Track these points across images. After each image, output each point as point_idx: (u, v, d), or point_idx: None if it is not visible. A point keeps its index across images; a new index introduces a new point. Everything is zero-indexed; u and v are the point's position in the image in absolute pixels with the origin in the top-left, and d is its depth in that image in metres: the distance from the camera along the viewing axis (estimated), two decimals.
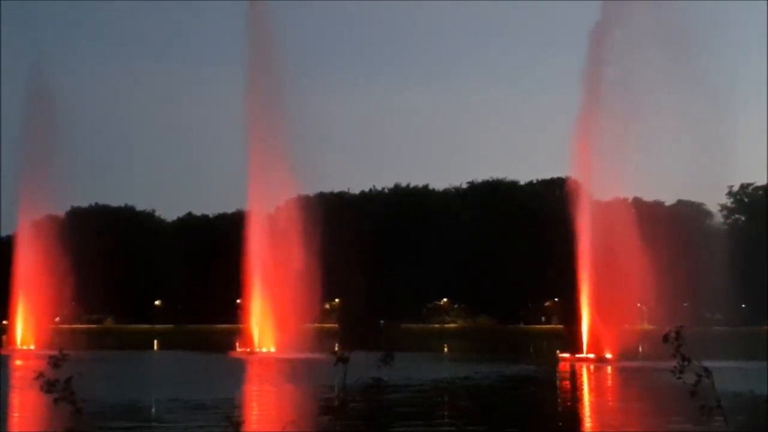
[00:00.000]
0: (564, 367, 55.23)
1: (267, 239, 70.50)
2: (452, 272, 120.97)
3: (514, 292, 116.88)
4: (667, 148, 61.05)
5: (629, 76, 61.78)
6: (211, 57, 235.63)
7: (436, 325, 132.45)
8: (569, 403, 35.68)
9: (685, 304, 59.96)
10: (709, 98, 59.62)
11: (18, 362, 56.37)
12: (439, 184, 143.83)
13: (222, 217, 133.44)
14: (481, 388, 40.22)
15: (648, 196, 77.75)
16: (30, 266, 75.12)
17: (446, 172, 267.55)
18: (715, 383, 7.97)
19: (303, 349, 61.59)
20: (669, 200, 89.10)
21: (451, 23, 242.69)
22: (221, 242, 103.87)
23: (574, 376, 49.34)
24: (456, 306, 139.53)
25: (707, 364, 8.00)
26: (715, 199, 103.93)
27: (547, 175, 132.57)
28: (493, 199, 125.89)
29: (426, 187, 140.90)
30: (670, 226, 62.99)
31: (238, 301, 78.82)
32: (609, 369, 53.67)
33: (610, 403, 36.77)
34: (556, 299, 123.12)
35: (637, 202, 74.36)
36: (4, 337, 78.69)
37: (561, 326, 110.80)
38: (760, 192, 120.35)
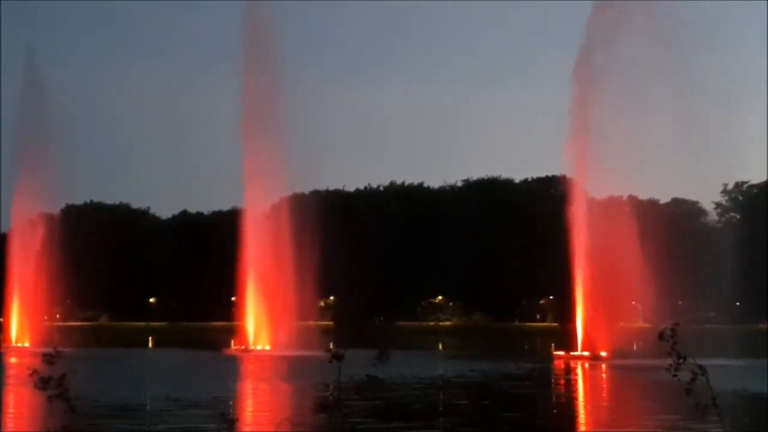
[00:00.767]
0: (559, 364, 55.28)
1: (262, 237, 70.44)
2: (447, 270, 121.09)
3: (509, 289, 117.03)
4: (662, 146, 61.15)
5: (623, 74, 61.81)
6: (207, 54, 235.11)
7: (431, 323, 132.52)
8: (564, 401, 35.68)
9: (680, 302, 60.09)
10: (705, 96, 59.70)
11: (12, 359, 56.23)
12: (434, 182, 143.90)
13: (217, 215, 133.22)
14: (475, 386, 40.24)
15: (643, 195, 77.89)
16: (24, 264, 75.00)
17: (442, 170, 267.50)
18: (710, 381, 7.97)
19: (298, 347, 61.59)
20: (664, 198, 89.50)
21: (446, 22, 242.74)
22: (216, 240, 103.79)
23: (569, 374, 49.39)
24: (451, 304, 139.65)
25: (702, 362, 8.00)
26: (709, 198, 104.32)
27: (542, 173, 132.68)
28: (488, 197, 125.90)
29: (421, 185, 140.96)
30: (665, 225, 63.12)
31: (233, 298, 78.79)
32: (604, 367, 53.72)
33: (606, 401, 36.79)
34: (551, 297, 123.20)
35: (632, 200, 74.39)
36: None
37: (556, 324, 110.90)
38: (755, 190, 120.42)
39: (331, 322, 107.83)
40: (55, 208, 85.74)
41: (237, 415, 19.52)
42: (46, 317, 76.28)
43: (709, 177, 72.24)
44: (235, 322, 74.22)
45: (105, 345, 77.91)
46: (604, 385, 45.03)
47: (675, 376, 7.90)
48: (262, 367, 52.54)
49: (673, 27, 60.29)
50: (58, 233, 73.78)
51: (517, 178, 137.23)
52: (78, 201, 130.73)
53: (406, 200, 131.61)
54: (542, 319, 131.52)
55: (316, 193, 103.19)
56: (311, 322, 76.72)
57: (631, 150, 60.78)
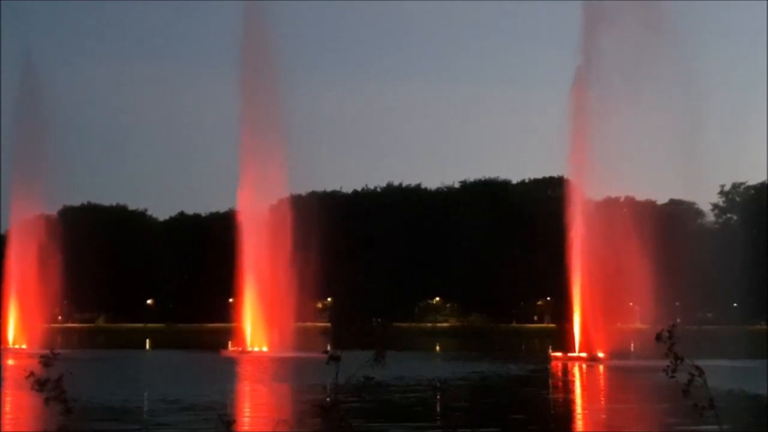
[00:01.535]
0: (556, 366, 55.27)
1: (259, 238, 70.43)
2: (445, 271, 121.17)
3: (506, 291, 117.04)
4: (659, 146, 61.17)
5: (621, 75, 61.83)
6: (205, 56, 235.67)
7: (429, 324, 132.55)
8: (561, 403, 35.67)
9: (677, 303, 60.12)
10: (702, 98, 59.84)
11: (10, 361, 56.15)
12: (432, 183, 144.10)
13: (214, 216, 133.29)
14: (472, 388, 40.22)
15: (640, 196, 77.89)
16: (22, 265, 74.91)
17: (439, 171, 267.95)
18: (707, 382, 7.97)
19: (295, 349, 61.60)
20: (661, 199, 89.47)
21: (444, 21, 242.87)
22: (213, 241, 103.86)
23: (566, 375, 49.38)
24: (448, 305, 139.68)
25: (699, 363, 7.99)
26: (707, 199, 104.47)
27: (539, 175, 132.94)
28: (486, 198, 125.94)
29: (419, 186, 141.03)
30: (662, 226, 63.16)
31: (230, 300, 78.77)
32: (601, 368, 53.73)
33: (604, 402, 36.77)
34: (548, 298, 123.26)
35: (630, 202, 74.48)
36: None
37: (553, 325, 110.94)
38: (752, 191, 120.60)
39: (328, 324, 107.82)
40: (53, 210, 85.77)
41: (234, 417, 19.50)
42: (43, 319, 76.11)
43: (706, 178, 72.47)
44: (233, 324, 74.21)
45: (102, 346, 77.81)
46: (604, 387, 44.98)
47: (672, 377, 7.90)
48: (260, 369, 52.53)
49: (671, 29, 60.39)
50: (56, 235, 73.70)
51: (515, 180, 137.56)
52: (75, 202, 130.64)
53: (403, 201, 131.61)
54: (539, 320, 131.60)
55: (313, 195, 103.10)
56: (308, 324, 76.75)
57: (629, 151, 60.89)
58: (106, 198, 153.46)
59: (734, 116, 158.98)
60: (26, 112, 77.23)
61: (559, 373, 50.40)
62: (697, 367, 7.82)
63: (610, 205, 65.87)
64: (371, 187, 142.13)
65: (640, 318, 72.39)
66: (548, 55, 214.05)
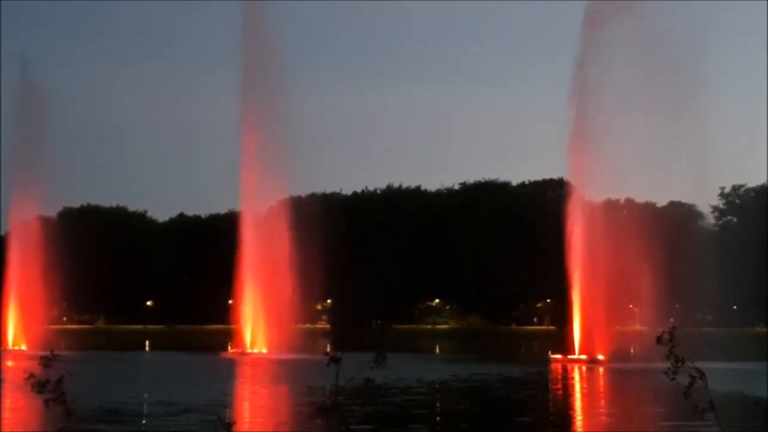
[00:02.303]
0: (556, 368, 55.23)
1: (259, 240, 70.44)
2: (444, 273, 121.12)
3: (506, 292, 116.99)
4: (659, 149, 61.15)
5: (620, 78, 61.85)
6: (205, 57, 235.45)
7: (428, 326, 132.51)
8: (562, 406, 35.64)
9: (677, 306, 60.11)
10: (702, 100, 59.82)
11: (9, 363, 56.13)
12: (431, 185, 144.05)
13: (214, 218, 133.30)
14: (471, 390, 40.17)
15: (640, 198, 77.94)
16: (21, 267, 74.90)
17: (439, 173, 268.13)
18: (707, 384, 7.96)
19: (295, 350, 61.59)
20: (661, 202, 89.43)
21: (443, 24, 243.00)
22: (213, 243, 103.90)
23: (566, 378, 49.34)
24: (448, 307, 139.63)
25: (699, 365, 7.98)
26: (706, 201, 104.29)
27: (539, 176, 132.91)
28: (485, 200, 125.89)
29: (419, 188, 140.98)
30: (662, 228, 63.14)
31: (230, 301, 78.72)
32: (601, 370, 53.69)
33: (605, 405, 36.73)
34: (548, 300, 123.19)
35: (630, 204, 74.49)
36: None
37: (553, 327, 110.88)
38: (752, 194, 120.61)
39: (328, 326, 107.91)
40: (53, 212, 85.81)
41: (233, 419, 19.49)
42: (43, 320, 76.07)
43: (706, 180, 72.35)
44: (232, 326, 74.18)
45: (102, 348, 77.76)
46: (606, 390, 44.93)
47: (673, 379, 7.89)
48: (259, 371, 52.51)
49: (671, 30, 60.38)
50: (56, 236, 73.63)
51: (515, 181, 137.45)
52: (75, 204, 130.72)
53: (403, 203, 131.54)
54: (539, 323, 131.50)
55: (313, 196, 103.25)
56: (308, 325, 76.77)
57: (629, 153, 60.87)
58: (106, 199, 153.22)
59: (735, 118, 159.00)
60: (26, 113, 77.24)
61: (559, 376, 50.35)
62: (698, 370, 7.82)
63: (610, 207, 65.86)
64: (371, 188, 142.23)
65: (639, 320, 72.41)
66: (548, 56, 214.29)
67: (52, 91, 78.56)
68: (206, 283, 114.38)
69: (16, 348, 71.46)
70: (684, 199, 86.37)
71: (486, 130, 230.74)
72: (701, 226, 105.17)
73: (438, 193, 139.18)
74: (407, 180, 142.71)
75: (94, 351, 69.70)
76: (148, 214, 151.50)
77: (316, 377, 34.93)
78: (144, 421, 27.49)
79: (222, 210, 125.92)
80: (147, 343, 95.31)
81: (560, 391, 42.68)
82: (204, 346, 75.02)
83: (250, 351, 67.44)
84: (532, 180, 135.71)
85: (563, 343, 62.99)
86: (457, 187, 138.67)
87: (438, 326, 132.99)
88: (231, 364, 57.04)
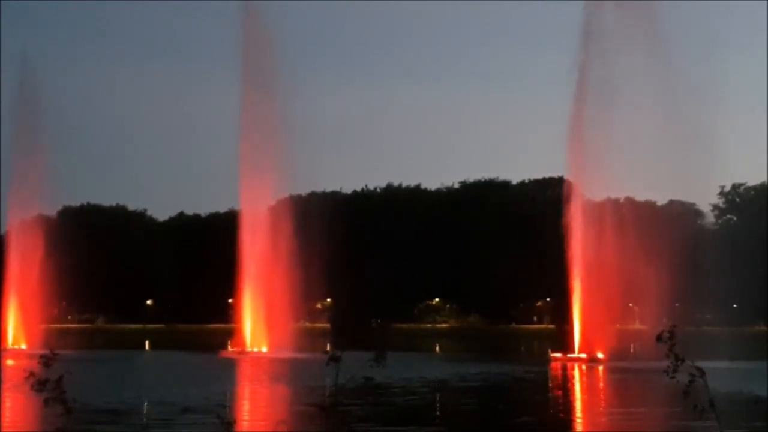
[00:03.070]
0: (556, 367, 55.23)
1: (259, 239, 70.43)
2: (444, 272, 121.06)
3: (505, 292, 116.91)
4: (659, 147, 61.12)
5: (620, 77, 61.83)
6: (205, 56, 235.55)
7: (428, 325, 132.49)
8: (566, 405, 35.62)
9: (676, 304, 60.06)
10: (701, 99, 59.77)
11: (9, 362, 56.14)
12: (431, 183, 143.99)
13: (214, 217, 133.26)
14: (472, 389, 40.16)
15: (640, 196, 77.91)
16: (21, 266, 74.94)
17: (439, 172, 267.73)
18: (707, 383, 7.96)
19: (295, 349, 61.59)
20: (661, 200, 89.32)
21: (444, 23, 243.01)
22: (213, 242, 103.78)
23: (566, 377, 49.34)
24: (448, 306, 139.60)
25: (698, 364, 7.98)
26: (706, 199, 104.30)
27: (539, 175, 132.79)
28: (485, 199, 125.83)
29: (418, 186, 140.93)
30: (662, 227, 63.12)
31: (230, 300, 78.73)
32: (601, 369, 53.68)
33: (606, 404, 36.73)
34: (547, 299, 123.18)
35: (629, 202, 74.45)
36: None
37: (552, 326, 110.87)
38: (752, 192, 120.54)
39: (328, 324, 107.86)
40: (52, 210, 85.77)
41: (234, 418, 19.48)
42: (42, 319, 76.10)
43: (706, 179, 72.30)
44: (232, 324, 74.17)
45: (101, 347, 77.77)
46: (606, 389, 44.91)
47: (673, 378, 7.90)
48: (259, 370, 52.51)
49: (670, 29, 60.39)
50: (55, 235, 73.65)
51: (515, 180, 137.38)
52: (75, 203, 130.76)
53: (403, 202, 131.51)
54: (539, 322, 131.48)
55: (313, 195, 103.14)
56: (308, 324, 76.74)
57: (629, 152, 60.87)
58: (106, 198, 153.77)
59: (735, 116, 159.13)
60: (25, 112, 77.28)
61: (559, 375, 50.35)
62: (698, 368, 7.82)
63: (609, 205, 65.83)
64: (371, 187, 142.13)
65: (639, 319, 72.43)
66: (548, 56, 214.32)
67: (51, 90, 78.99)
68: (206, 283, 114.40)
69: (16, 347, 71.51)
70: (684, 198, 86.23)
71: (486, 128, 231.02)
72: (701, 224, 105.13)
73: (438, 192, 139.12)
74: (407, 179, 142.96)
75: (94, 350, 69.72)
76: (148, 213, 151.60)
77: (316, 376, 34.94)
78: (144, 421, 27.49)
79: (222, 209, 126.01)
80: (147, 342, 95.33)
81: (561, 390, 42.64)
82: (204, 345, 75.01)
83: (250, 350, 67.45)
84: (532, 179, 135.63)
85: (563, 342, 63.02)
86: (457, 185, 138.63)
87: (438, 325, 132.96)
88: (231, 363, 57.03)
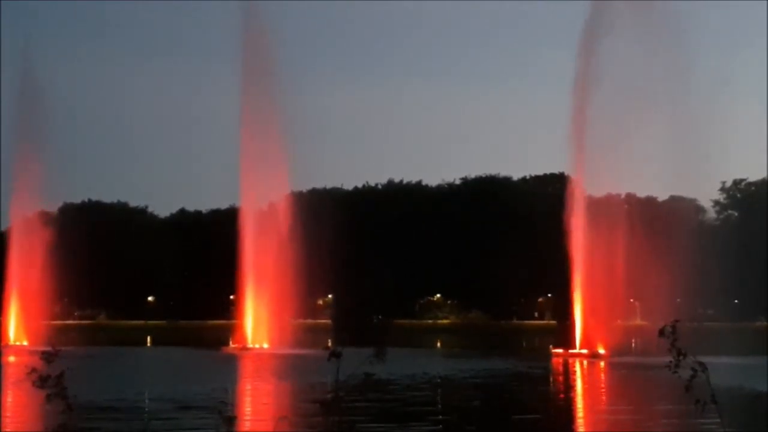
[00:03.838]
0: (557, 362, 55.26)
1: (260, 235, 70.46)
2: (445, 268, 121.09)
3: (506, 287, 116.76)
4: (660, 143, 61.13)
5: (621, 73, 61.81)
6: (206, 53, 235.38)
7: (429, 321, 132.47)
8: (564, 400, 35.64)
9: (677, 300, 60.05)
10: (702, 94, 59.77)
11: (11, 358, 56.25)
12: (432, 180, 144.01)
13: (215, 213, 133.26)
14: (473, 385, 40.17)
15: (641, 192, 77.97)
16: (22, 262, 74.98)
17: (440, 169, 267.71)
18: (709, 378, 7.96)
19: (296, 345, 61.60)
20: (662, 196, 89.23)
21: (445, 20, 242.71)
22: (214, 238, 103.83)
23: (568, 372, 49.37)
24: (449, 302, 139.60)
25: (700, 359, 7.98)
26: (708, 195, 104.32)
27: (540, 171, 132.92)
28: (486, 195, 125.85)
29: (419, 183, 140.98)
30: (663, 222, 63.16)
31: (231, 297, 78.73)
32: (602, 364, 53.73)
33: (609, 399, 36.73)
34: (549, 295, 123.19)
35: (631, 198, 74.46)
36: None
37: (554, 322, 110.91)
38: (753, 188, 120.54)
39: (329, 321, 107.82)
40: (54, 207, 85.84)
41: (235, 414, 19.50)
42: (44, 316, 76.18)
43: (707, 174, 72.32)
44: (234, 321, 74.19)
45: (103, 344, 77.82)
46: (609, 384, 44.93)
47: (675, 373, 7.90)
48: (261, 366, 52.55)
49: (672, 26, 60.33)
50: (56, 232, 73.73)
51: (516, 176, 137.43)
52: (76, 200, 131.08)
53: (404, 198, 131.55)
54: (540, 317, 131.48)
55: (314, 192, 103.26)
56: (309, 321, 76.76)
57: (630, 148, 60.81)
58: (107, 195, 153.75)
59: (735, 112, 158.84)
60: (27, 109, 77.31)
61: (561, 370, 50.37)
62: (701, 363, 7.83)
63: (610, 201, 65.83)
64: (372, 184, 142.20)
65: (640, 314, 72.43)
66: (549, 52, 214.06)
67: (52, 87, 78.80)
68: (207, 279, 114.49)
69: (18, 344, 71.57)
70: (685, 194, 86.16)
71: (487, 125, 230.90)
72: (702, 220, 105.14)
73: (439, 188, 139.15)
74: (409, 175, 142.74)
75: (96, 347, 69.77)
76: (149, 210, 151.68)
77: (317, 372, 34.98)
78: (145, 417, 27.51)
79: (223, 206, 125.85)
80: (148, 338, 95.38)
81: (563, 387, 42.66)
82: (205, 342, 75.05)
83: (251, 346, 67.48)
84: (533, 175, 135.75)
85: (564, 338, 63.07)
86: (458, 182, 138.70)
87: (439, 321, 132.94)
88: (232, 360, 57.07)
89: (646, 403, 31.64)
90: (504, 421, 26.43)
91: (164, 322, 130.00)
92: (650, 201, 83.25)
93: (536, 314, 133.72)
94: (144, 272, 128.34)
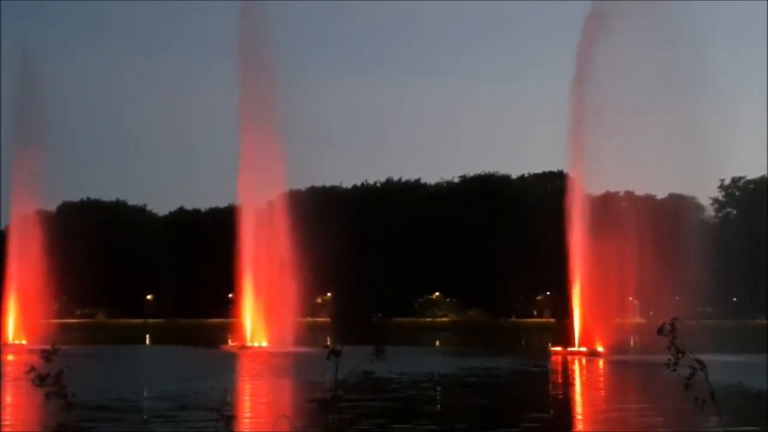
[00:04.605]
0: (556, 360, 55.25)
1: (259, 233, 70.44)
2: (444, 266, 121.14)
3: (505, 285, 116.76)
4: (658, 141, 61.14)
5: (620, 71, 61.82)
6: (204, 52, 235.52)
7: (428, 319, 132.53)
8: (563, 397, 35.63)
9: (676, 298, 60.07)
10: (701, 92, 59.78)
11: (10, 357, 56.24)
12: (431, 178, 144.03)
13: (213, 212, 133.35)
14: (472, 383, 40.16)
15: (640, 190, 77.85)
16: (21, 261, 74.95)
17: (439, 167, 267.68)
18: (708, 376, 7.96)
19: (295, 344, 61.60)
20: (661, 194, 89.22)
21: (444, 18, 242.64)
22: (213, 237, 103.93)
23: (567, 370, 49.36)
24: (448, 300, 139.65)
25: (698, 357, 7.99)
26: (706, 193, 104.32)
27: (539, 170, 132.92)
28: (485, 193, 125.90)
29: (418, 181, 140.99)
30: (661, 220, 63.15)
31: (230, 295, 78.71)
32: (601, 362, 53.74)
33: (608, 397, 36.74)
34: (548, 293, 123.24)
35: (630, 196, 74.43)
36: None
37: (553, 320, 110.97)
38: (752, 186, 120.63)
39: (328, 319, 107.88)
40: (52, 206, 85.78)
41: (234, 412, 19.48)
42: (43, 315, 76.14)
43: (706, 172, 72.35)
44: (232, 319, 74.17)
45: (102, 342, 77.83)
46: (608, 382, 44.93)
47: (674, 370, 7.90)
48: (259, 364, 52.54)
49: (671, 24, 60.31)
50: (55, 231, 73.72)
51: (514, 174, 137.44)
52: (74, 198, 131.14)
53: (403, 196, 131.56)
54: (539, 315, 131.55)
55: (312, 190, 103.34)
56: (308, 319, 76.73)
57: (629, 146, 60.83)
58: (106, 194, 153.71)
59: (734, 110, 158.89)
60: (25, 108, 77.25)
61: (560, 368, 50.35)
62: (699, 361, 7.82)
63: (609, 199, 65.87)
64: (371, 182, 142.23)
65: (639, 312, 72.44)
66: (548, 50, 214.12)
67: (51, 85, 78.78)
68: (206, 277, 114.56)
69: (17, 342, 71.54)
70: (684, 192, 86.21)
71: (485, 123, 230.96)
72: (701, 218, 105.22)
73: (438, 186, 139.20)
74: (407, 173, 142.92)
75: (94, 345, 69.78)
76: (148, 208, 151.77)
77: (316, 370, 34.99)
78: (144, 416, 27.49)
79: (221, 204, 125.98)
80: (147, 337, 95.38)
81: (561, 384, 42.66)
82: (204, 340, 75.06)
83: (250, 344, 67.47)
84: (532, 173, 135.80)
85: (563, 336, 63.08)
86: (456, 180, 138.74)
87: (438, 319, 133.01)
88: (231, 358, 57.06)
89: (646, 401, 31.63)
90: (501, 421, 26.43)
91: (163, 320, 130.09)
92: (649, 199, 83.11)
93: (535, 312, 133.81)
94: (143, 271, 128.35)
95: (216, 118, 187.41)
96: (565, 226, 62.77)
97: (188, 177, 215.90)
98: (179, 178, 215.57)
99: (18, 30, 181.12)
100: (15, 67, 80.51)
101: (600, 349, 58.36)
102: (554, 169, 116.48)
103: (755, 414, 26.86)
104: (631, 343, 59.79)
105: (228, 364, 51.85)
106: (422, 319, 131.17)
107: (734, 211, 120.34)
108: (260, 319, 69.04)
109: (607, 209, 62.34)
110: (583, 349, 59.21)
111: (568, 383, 43.12)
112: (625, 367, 48.73)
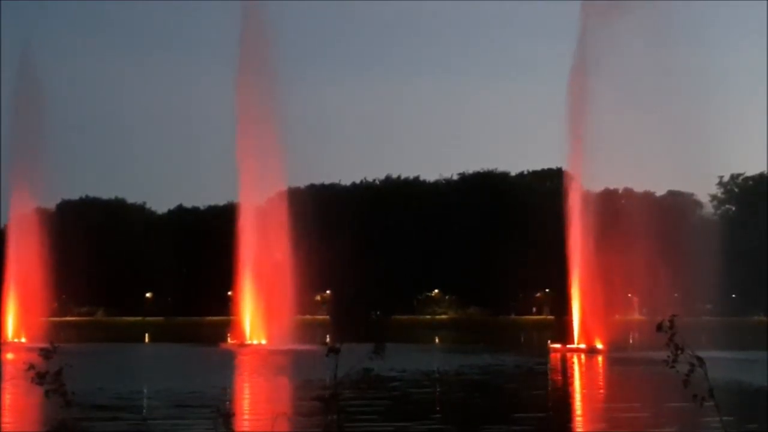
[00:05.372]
0: (555, 357, 55.27)
1: (258, 231, 70.41)
2: (443, 263, 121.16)
3: (505, 283, 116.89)
4: (657, 138, 61.14)
5: (619, 68, 61.84)
6: (203, 50, 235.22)
7: (428, 317, 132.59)
8: (562, 394, 35.65)
9: (675, 295, 60.13)
10: (700, 89, 59.80)
11: (9, 355, 56.23)
12: (430, 175, 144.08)
13: (213, 209, 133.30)
14: (472, 381, 40.15)
15: (639, 187, 77.96)
16: (20, 259, 74.91)
17: (437, 164, 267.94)
18: (707, 373, 7.96)
19: (294, 341, 61.58)
20: (659, 191, 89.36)
21: (442, 16, 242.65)
22: (212, 234, 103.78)
23: (566, 367, 49.37)
24: (447, 297, 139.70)
25: (698, 354, 7.99)
26: (705, 190, 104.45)
27: (538, 167, 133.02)
28: (484, 190, 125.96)
29: (417, 178, 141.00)
30: (660, 217, 63.19)
31: (229, 293, 78.66)
32: (600, 359, 53.74)
33: (608, 393, 36.76)
34: (547, 290, 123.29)
35: (628, 193, 74.51)
36: None
37: (552, 317, 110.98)
38: (751, 182, 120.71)
39: (327, 317, 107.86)
40: (51, 204, 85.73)
41: (233, 410, 19.47)
42: (42, 313, 76.11)
43: (705, 169, 72.38)
44: (232, 317, 74.15)
45: (101, 340, 77.80)
46: (604, 378, 44.96)
47: (673, 367, 7.90)
48: (259, 362, 52.53)
49: (669, 20, 60.32)
50: (54, 229, 73.67)
51: (513, 172, 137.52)
52: (74, 196, 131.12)
53: (402, 194, 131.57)
54: (538, 312, 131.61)
55: (311, 187, 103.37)
56: (307, 317, 76.72)
57: (628, 143, 60.86)
58: (105, 191, 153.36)
59: (733, 107, 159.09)
60: (24, 106, 77.18)
61: (559, 365, 50.35)
62: (698, 358, 7.83)
63: (608, 196, 65.93)
64: (370, 179, 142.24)
65: (638, 309, 72.49)
66: (546, 47, 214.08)
67: (50, 83, 78.70)
68: (205, 275, 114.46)
69: (16, 340, 71.52)
70: (682, 189, 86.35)
71: (484, 120, 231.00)
72: (700, 215, 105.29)
73: (437, 184, 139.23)
74: (406, 171, 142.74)
75: (93, 343, 69.75)
76: (147, 206, 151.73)
77: (315, 368, 34.95)
78: (143, 413, 27.48)
79: (221, 201, 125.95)
80: (146, 334, 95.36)
81: (561, 380, 42.70)
82: (203, 338, 75.02)
83: (249, 342, 67.45)
84: (530, 170, 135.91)
85: (562, 333, 63.07)
86: (455, 177, 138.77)
87: (437, 317, 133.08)
88: (230, 356, 57.04)
89: (646, 399, 31.63)
90: (501, 418, 26.42)
91: (162, 318, 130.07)
92: (648, 196, 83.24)
93: (534, 309, 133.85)
94: (142, 269, 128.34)
95: (215, 115, 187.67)
96: (564, 223, 62.78)
97: (187, 175, 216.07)
98: (178, 175, 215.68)
99: (18, 30, 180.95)
100: (14, 65, 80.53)
101: (599, 346, 58.38)
102: (553, 166, 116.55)
103: (755, 410, 26.86)
104: (631, 340, 59.79)
105: (227, 361, 51.84)
106: (422, 317, 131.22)
107: (733, 208, 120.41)
108: (259, 316, 69.02)
109: (607, 206, 62.36)
110: (583, 346, 59.24)
111: (567, 381, 43.14)
112: (625, 364, 48.73)
